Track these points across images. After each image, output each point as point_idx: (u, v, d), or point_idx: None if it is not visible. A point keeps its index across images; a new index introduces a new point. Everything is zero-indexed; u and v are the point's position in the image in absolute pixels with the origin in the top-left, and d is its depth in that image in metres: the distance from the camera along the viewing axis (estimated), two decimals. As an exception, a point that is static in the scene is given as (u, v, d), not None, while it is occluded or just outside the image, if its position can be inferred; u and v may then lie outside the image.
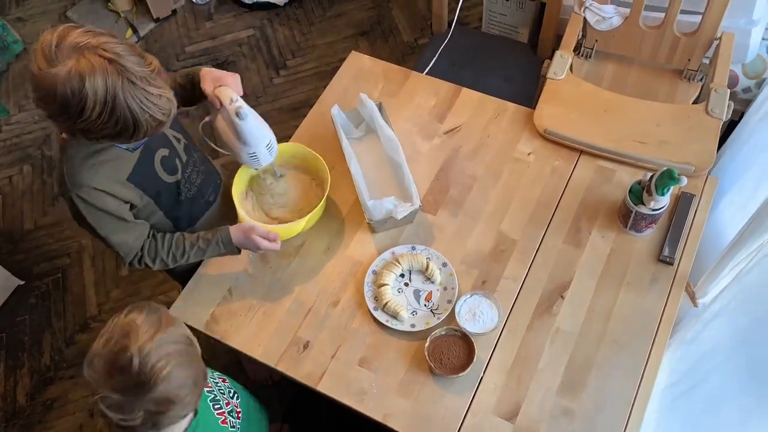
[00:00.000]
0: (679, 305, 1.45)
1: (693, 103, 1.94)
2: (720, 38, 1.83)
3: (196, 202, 1.53)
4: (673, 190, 1.43)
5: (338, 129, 1.65)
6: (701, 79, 1.95)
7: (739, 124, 1.91)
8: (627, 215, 1.49)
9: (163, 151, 1.40)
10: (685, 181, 1.38)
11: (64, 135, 1.27)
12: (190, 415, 1.16)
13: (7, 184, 2.72)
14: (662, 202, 1.43)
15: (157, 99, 1.13)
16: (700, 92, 1.95)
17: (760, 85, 2.03)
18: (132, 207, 1.36)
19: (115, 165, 1.29)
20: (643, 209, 1.45)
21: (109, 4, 3.12)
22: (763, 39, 2.00)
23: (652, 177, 1.42)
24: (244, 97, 1.35)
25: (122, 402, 1.00)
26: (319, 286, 1.51)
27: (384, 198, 1.48)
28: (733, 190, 1.70)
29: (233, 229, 1.41)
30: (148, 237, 1.39)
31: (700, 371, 1.38)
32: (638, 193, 1.46)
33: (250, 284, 1.53)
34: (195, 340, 1.12)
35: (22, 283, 2.45)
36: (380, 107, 1.68)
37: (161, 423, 1.05)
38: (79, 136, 1.15)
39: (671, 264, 1.48)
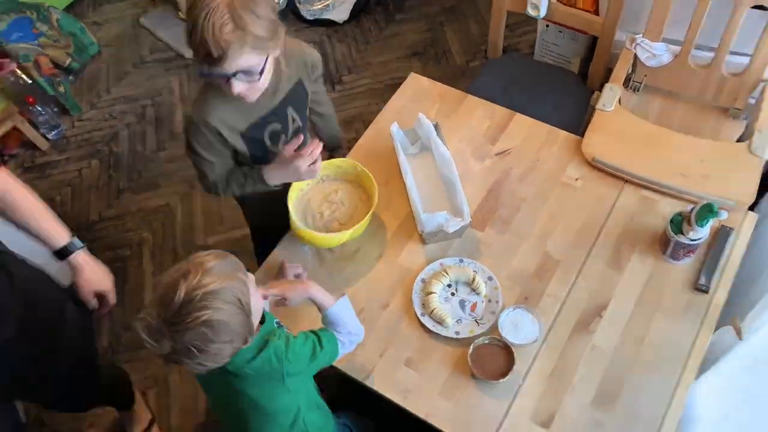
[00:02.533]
0: (711, 335, 1.52)
1: (737, 141, 2.01)
2: (767, 80, 1.90)
3: None
4: (712, 222, 1.50)
5: (396, 145, 1.77)
6: (746, 119, 2.03)
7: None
8: (667, 243, 1.57)
9: (276, 126, 1.58)
10: (725, 215, 1.46)
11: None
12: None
13: (76, 176, 2.91)
14: (701, 233, 1.51)
15: (227, 32, 1.24)
16: (744, 131, 2.02)
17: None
18: (232, 150, 1.55)
19: (234, 115, 1.48)
20: (682, 238, 1.53)
21: (180, 13, 3.31)
22: (810, 83, 2.06)
23: (693, 209, 1.50)
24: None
25: (154, 328, 1.06)
26: (370, 289, 1.62)
27: (437, 212, 1.59)
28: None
29: (272, 166, 1.55)
30: (227, 173, 1.59)
31: (746, 410, 1.44)
32: (679, 223, 1.54)
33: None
34: (248, 305, 1.12)
35: (85, 269, 2.62)
36: (437, 127, 1.80)
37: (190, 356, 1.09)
38: (198, 61, 1.30)
39: (706, 293, 1.55)
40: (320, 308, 1.38)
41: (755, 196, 1.67)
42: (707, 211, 1.46)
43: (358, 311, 1.59)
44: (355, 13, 3.28)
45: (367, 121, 1.98)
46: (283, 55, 1.45)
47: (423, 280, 1.61)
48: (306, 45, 1.62)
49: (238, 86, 1.35)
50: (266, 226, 1.81)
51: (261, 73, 1.35)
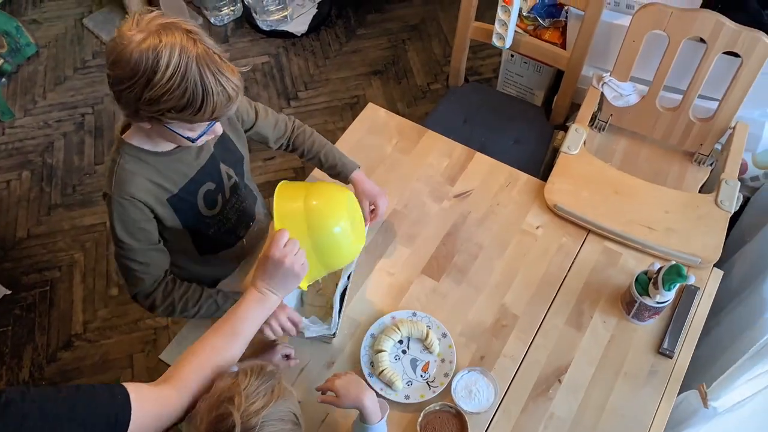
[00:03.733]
0: (674, 402, 1.44)
1: (701, 186, 1.96)
2: (734, 128, 1.85)
3: (224, 235, 1.52)
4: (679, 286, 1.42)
5: None
6: (711, 164, 1.97)
7: (744, 216, 1.92)
8: (631, 304, 1.49)
9: (210, 185, 1.40)
10: (693, 279, 1.38)
11: (118, 132, 1.27)
12: None
13: (4, 189, 2.69)
14: (667, 296, 1.43)
15: (230, 74, 1.12)
16: (709, 177, 1.97)
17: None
18: (160, 224, 1.33)
19: (160, 180, 1.28)
20: (647, 300, 1.44)
21: (127, 15, 3.11)
22: (776, 131, 2.02)
23: (660, 270, 1.42)
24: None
25: None
26: (315, 345, 1.49)
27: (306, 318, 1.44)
28: (745, 287, 1.71)
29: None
30: (167, 275, 1.37)
31: None
32: (644, 283, 1.46)
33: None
34: (301, 417, 1.04)
35: (8, 292, 2.42)
36: None
37: None
38: (141, 115, 1.11)
39: (670, 357, 1.47)
40: (364, 418, 1.24)
41: (720, 253, 1.60)
42: (675, 274, 1.38)
43: (298, 370, 1.46)
44: (315, 26, 3.15)
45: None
46: None
47: (372, 336, 1.49)
48: None
49: (219, 128, 1.23)
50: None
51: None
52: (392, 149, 1.81)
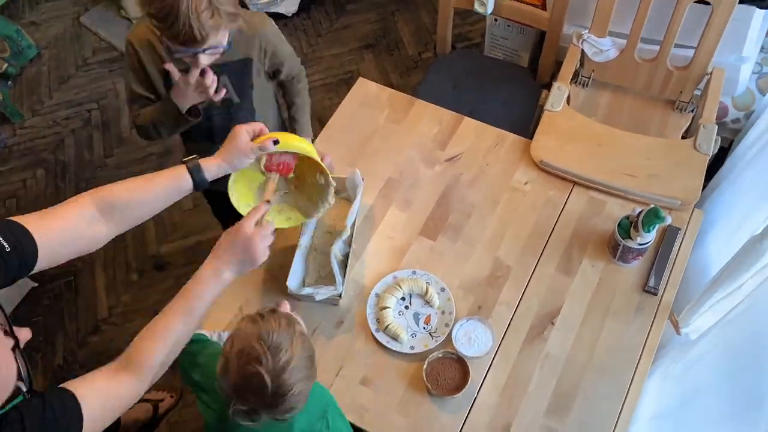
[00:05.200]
0: (660, 335, 1.55)
1: (684, 133, 2.04)
2: (711, 73, 1.92)
3: (203, 133, 1.69)
4: (659, 227, 1.52)
5: None
6: (692, 110, 2.05)
7: (729, 159, 2.00)
8: (616, 247, 1.59)
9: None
10: (669, 219, 1.47)
11: None
12: None
13: (21, 188, 2.81)
14: (648, 237, 1.53)
15: (206, 18, 1.30)
16: (690, 123, 2.05)
17: (748, 117, 2.12)
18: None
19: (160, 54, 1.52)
20: (630, 243, 1.54)
21: (121, 11, 3.19)
22: (753, 73, 2.08)
23: (639, 214, 1.52)
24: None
25: (251, 410, 1.06)
26: (323, 306, 1.61)
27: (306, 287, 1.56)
28: (721, 223, 1.80)
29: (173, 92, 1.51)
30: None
31: (688, 407, 1.48)
32: (626, 227, 1.55)
33: (260, 302, 1.62)
34: (314, 352, 1.14)
35: (35, 285, 2.55)
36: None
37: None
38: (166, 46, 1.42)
39: (655, 294, 1.58)
40: None
41: (699, 194, 1.69)
42: (653, 216, 1.48)
43: (311, 330, 1.58)
44: (305, 5, 3.21)
45: (323, 118, 1.94)
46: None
47: (377, 295, 1.60)
48: (269, 26, 1.61)
49: (205, 59, 1.42)
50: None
51: (230, 45, 1.45)
52: (384, 120, 1.90)
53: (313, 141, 1.81)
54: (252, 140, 1.29)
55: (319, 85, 2.97)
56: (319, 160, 1.40)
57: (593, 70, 2.07)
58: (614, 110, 2.10)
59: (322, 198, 1.47)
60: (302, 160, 1.43)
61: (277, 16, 3.18)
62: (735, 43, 1.95)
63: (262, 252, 1.21)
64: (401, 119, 1.91)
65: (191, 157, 1.24)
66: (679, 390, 1.54)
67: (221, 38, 1.41)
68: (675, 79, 1.98)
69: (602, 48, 1.99)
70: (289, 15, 3.19)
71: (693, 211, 1.70)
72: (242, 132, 1.28)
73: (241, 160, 1.28)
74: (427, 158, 1.83)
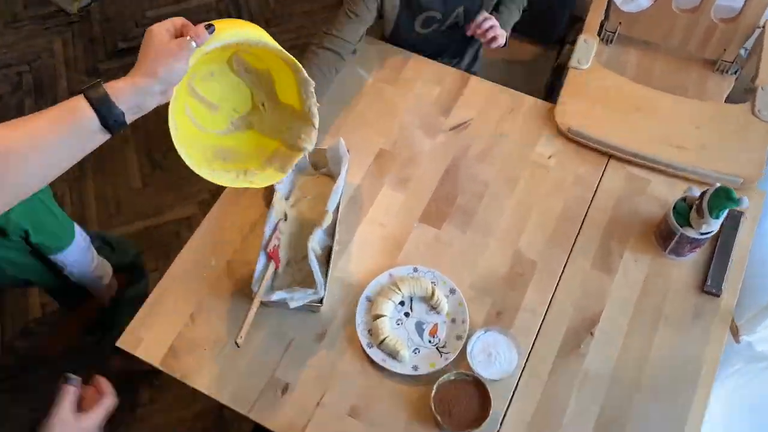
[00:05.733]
0: (723, 347, 1.24)
1: (725, 99, 1.72)
2: (764, 27, 1.60)
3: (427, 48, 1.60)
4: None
5: None
6: (736, 72, 1.73)
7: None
8: (669, 237, 1.26)
9: (433, 14, 1.52)
10: (746, 202, 1.15)
11: None
12: None
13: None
14: (714, 225, 1.20)
15: None
16: (733, 88, 1.73)
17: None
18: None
19: None
20: (690, 232, 1.22)
21: (57, -42, 2.75)
22: (806, 29, 1.77)
23: (702, 195, 1.19)
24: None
25: None
26: (302, 314, 1.25)
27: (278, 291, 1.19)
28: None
29: None
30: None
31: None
32: (684, 212, 1.23)
33: (216, 308, 1.26)
34: None
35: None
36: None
37: None
38: None
39: (718, 296, 1.26)
40: None
41: (764, 170, 1.38)
42: (724, 198, 1.15)
43: (287, 343, 1.23)
44: (272, -45, 2.81)
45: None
46: None
47: (369, 299, 1.25)
48: None
49: None
50: None
51: None
52: (373, 79, 1.54)
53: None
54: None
55: (289, 47, 2.56)
56: (276, 45, 0.99)
57: (620, 23, 1.74)
58: (643, 71, 1.77)
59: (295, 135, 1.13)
60: (275, 71, 1.10)
61: (240, -32, 2.78)
62: (793, -11, 1.63)
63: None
64: (394, 78, 1.55)
65: (93, 82, 0.84)
66: (753, 416, 1.24)
67: None
68: (719, 34, 1.66)
69: (634, -6, 1.66)
70: (255, -34, 2.78)
71: (756, 191, 1.38)
72: (159, 29, 0.87)
73: (169, 70, 0.85)
74: (427, 126, 1.48)
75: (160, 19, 0.88)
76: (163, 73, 0.85)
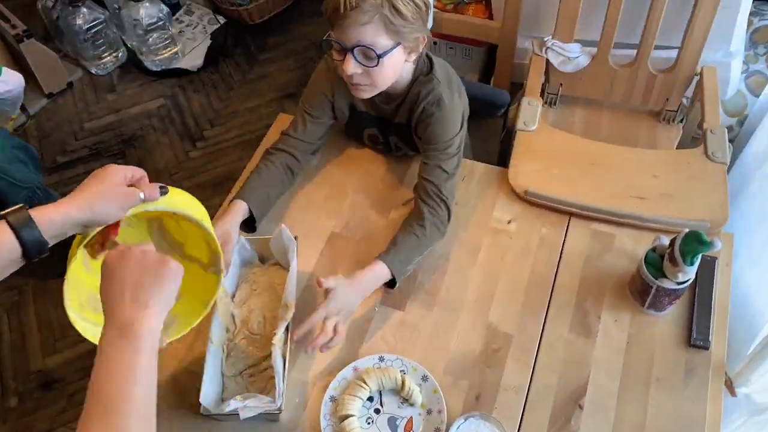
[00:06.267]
0: (722, 401, 1.14)
1: (676, 147, 1.71)
2: (701, 73, 1.61)
3: None
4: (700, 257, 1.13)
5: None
6: (682, 120, 1.73)
7: (733, 170, 1.67)
8: (645, 291, 1.19)
9: (375, 132, 1.42)
10: (719, 245, 1.09)
11: None
12: None
13: None
14: (690, 273, 1.13)
15: None
16: (681, 134, 1.73)
17: (742, 123, 1.82)
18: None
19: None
20: (666, 283, 1.15)
21: None
22: (741, 73, 1.80)
23: (672, 242, 1.13)
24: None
25: None
26: (257, 425, 1.11)
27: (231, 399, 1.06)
28: (750, 246, 1.44)
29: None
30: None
31: None
32: (656, 263, 1.16)
33: (163, 429, 1.11)
34: None
35: None
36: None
37: None
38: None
39: (706, 348, 1.18)
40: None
41: (728, 212, 1.33)
42: (696, 242, 1.09)
43: (244, 462, 1.08)
44: (212, 58, 2.81)
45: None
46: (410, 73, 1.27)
47: (333, 399, 1.13)
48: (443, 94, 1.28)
49: (353, 66, 1.15)
50: None
51: (379, 58, 1.13)
52: (317, 161, 1.48)
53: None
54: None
55: (235, 144, 2.53)
56: (211, 230, 0.96)
57: (561, 84, 1.73)
58: (592, 129, 1.75)
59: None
60: (185, 231, 1.03)
61: (180, 73, 2.77)
62: (722, 35, 1.66)
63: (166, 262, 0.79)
64: (339, 158, 1.49)
65: (15, 207, 0.76)
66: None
67: (377, 40, 1.12)
68: (659, 85, 1.66)
69: (570, 55, 1.66)
70: (195, 70, 2.78)
71: (721, 234, 1.33)
72: (117, 171, 0.83)
73: (106, 213, 0.82)
74: (378, 203, 1.41)
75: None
76: (100, 214, 0.81)
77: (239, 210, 1.23)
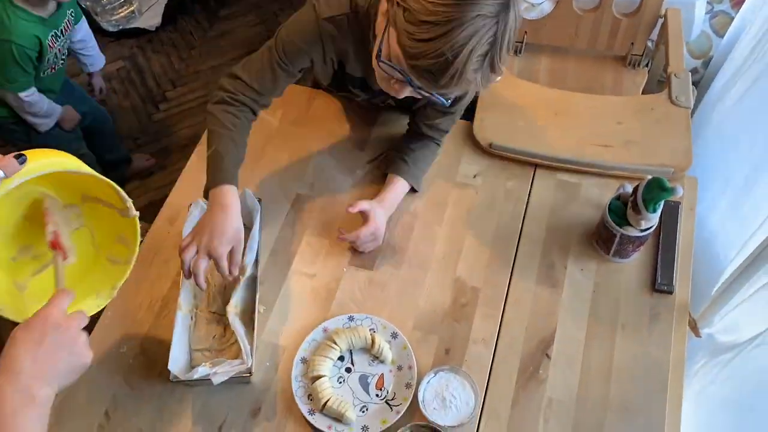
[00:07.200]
0: (686, 344, 1.17)
1: (642, 91, 1.70)
2: (665, 16, 1.59)
3: None
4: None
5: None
6: (647, 64, 1.72)
7: (696, 114, 1.68)
8: (609, 240, 1.20)
9: None
10: (680, 191, 1.09)
11: None
12: None
13: None
14: (653, 219, 1.14)
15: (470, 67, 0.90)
16: (647, 78, 1.72)
17: (707, 65, 1.81)
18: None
19: None
20: (630, 231, 1.15)
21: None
22: (705, 13, 1.78)
23: (635, 190, 1.13)
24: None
25: None
26: (231, 390, 1.12)
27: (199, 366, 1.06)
28: (712, 189, 1.46)
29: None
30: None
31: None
32: (620, 211, 1.17)
33: (134, 399, 1.12)
34: None
35: None
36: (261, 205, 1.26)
37: None
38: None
39: (670, 293, 1.20)
40: None
41: (692, 156, 1.34)
42: (657, 189, 1.09)
43: (217, 427, 1.09)
44: (170, 17, 2.72)
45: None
46: None
47: (304, 360, 1.13)
48: None
49: (408, 92, 1.04)
50: None
51: None
52: (279, 122, 1.45)
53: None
54: None
55: (199, 104, 2.48)
56: (98, 175, 0.87)
57: (525, 32, 1.70)
58: (557, 76, 1.74)
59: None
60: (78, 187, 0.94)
61: (138, 33, 2.68)
62: (686, -25, 1.63)
63: (88, 349, 0.76)
64: (302, 119, 1.46)
65: None
66: (726, 410, 1.16)
67: None
68: (624, 29, 1.64)
69: (534, 2, 1.63)
70: (153, 29, 2.70)
71: (685, 178, 1.34)
72: None
73: None
74: (343, 163, 1.39)
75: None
76: None
77: (235, 200, 1.10)
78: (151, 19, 2.69)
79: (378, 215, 1.22)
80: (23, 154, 0.77)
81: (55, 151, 0.85)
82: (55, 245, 0.90)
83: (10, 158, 0.75)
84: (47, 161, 0.82)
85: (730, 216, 1.42)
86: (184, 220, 1.18)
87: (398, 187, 1.28)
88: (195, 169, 1.39)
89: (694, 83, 1.85)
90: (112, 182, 0.88)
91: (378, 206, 1.23)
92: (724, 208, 1.48)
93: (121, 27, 2.66)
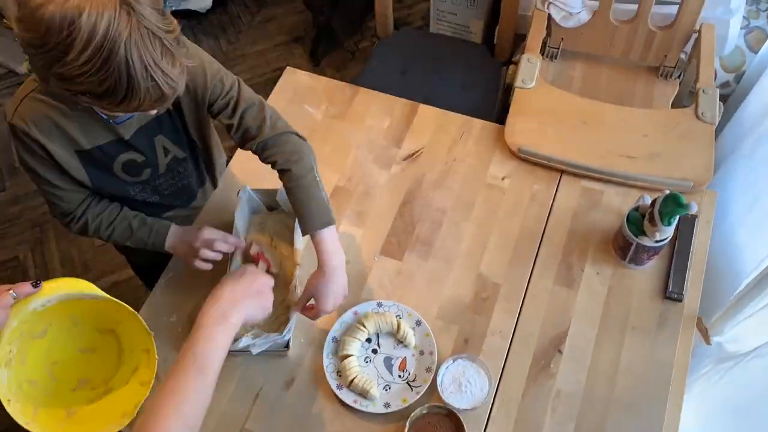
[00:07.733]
0: (691, 350, 1.25)
1: (672, 102, 1.76)
2: (699, 31, 1.64)
3: (151, 205, 1.32)
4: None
5: (242, 209, 1.32)
6: (679, 76, 1.77)
7: (727, 128, 1.72)
8: (626, 247, 1.27)
9: (133, 156, 1.19)
10: (695, 207, 1.17)
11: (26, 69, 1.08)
12: None
13: None
14: (667, 232, 1.22)
15: (168, 66, 0.88)
16: (678, 90, 1.77)
17: (739, 79, 1.85)
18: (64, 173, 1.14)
19: (73, 130, 1.09)
20: (645, 241, 1.23)
21: (5, 20, 2.74)
22: (741, 29, 1.82)
23: (653, 203, 1.21)
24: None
25: None
26: (268, 362, 1.24)
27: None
28: (728, 204, 1.51)
29: (175, 229, 1.26)
30: (88, 197, 1.22)
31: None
32: (638, 222, 1.24)
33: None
34: None
35: None
36: None
37: None
38: (52, 84, 0.88)
39: (680, 300, 1.27)
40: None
41: (712, 172, 1.40)
42: (674, 204, 1.17)
43: (254, 395, 1.20)
44: (220, 0, 2.82)
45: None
46: None
47: (335, 340, 1.24)
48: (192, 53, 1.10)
49: (153, 112, 1.02)
50: (153, 263, 1.39)
51: None
52: (323, 116, 1.55)
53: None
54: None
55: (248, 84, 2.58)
56: (112, 298, 0.93)
57: (562, 39, 1.77)
58: (590, 84, 1.79)
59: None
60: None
61: (188, 14, 2.79)
62: (722, -8, 1.67)
63: (271, 299, 1.04)
64: (343, 113, 1.55)
65: None
66: (725, 415, 1.24)
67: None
68: (658, 41, 1.69)
69: (572, 11, 1.69)
70: (203, 12, 2.80)
71: (705, 193, 1.40)
72: None
73: None
74: (380, 158, 1.48)
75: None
76: None
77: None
78: (201, 1, 2.80)
79: (325, 293, 1.14)
80: (39, 281, 0.85)
81: (73, 279, 0.91)
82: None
83: (25, 283, 0.85)
84: (64, 284, 0.88)
85: (754, 233, 1.47)
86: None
87: (321, 243, 1.15)
88: (238, 160, 1.49)
89: (725, 96, 1.90)
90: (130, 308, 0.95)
91: (322, 282, 1.15)
92: (750, 225, 1.53)
93: (172, 8, 2.77)
